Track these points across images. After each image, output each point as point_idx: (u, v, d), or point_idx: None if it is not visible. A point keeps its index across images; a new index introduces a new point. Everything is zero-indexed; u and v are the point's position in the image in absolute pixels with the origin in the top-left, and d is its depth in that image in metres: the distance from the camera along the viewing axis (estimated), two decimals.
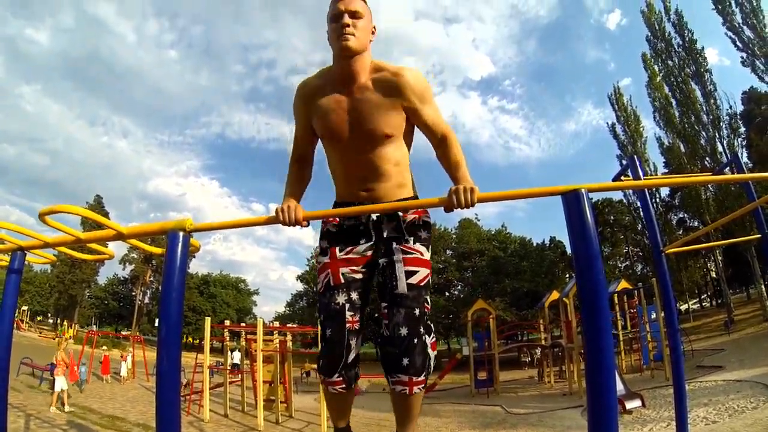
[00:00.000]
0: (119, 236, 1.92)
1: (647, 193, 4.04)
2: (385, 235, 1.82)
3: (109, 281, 58.06)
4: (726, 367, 11.47)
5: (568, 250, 42.40)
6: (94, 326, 46.63)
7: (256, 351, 10.43)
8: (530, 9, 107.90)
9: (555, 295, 17.41)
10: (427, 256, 1.82)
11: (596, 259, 1.46)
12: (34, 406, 9.12)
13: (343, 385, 1.78)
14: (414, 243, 1.80)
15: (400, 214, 1.83)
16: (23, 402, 9.39)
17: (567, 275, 39.79)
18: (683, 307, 37.61)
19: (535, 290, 34.05)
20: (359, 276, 1.80)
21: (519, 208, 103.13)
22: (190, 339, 47.87)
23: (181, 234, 1.73)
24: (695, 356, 15.15)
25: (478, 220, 44.72)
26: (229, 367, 13.46)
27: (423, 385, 1.71)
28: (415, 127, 1.93)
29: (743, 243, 23.38)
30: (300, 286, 47.28)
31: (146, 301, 56.11)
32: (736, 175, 3.66)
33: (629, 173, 4.03)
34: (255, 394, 9.89)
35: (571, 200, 1.53)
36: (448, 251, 41.43)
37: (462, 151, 1.87)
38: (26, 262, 2.24)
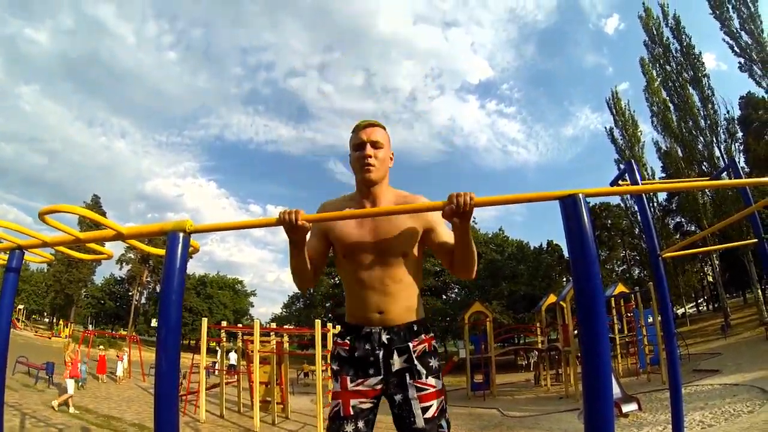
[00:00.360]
0: (119, 236, 1.93)
1: (645, 198, 4.05)
2: (394, 369, 1.85)
3: (105, 281, 58.09)
4: (722, 371, 11.49)
5: (566, 254, 42.67)
6: (91, 326, 46.46)
7: (252, 352, 10.42)
8: (528, 13, 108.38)
9: (552, 298, 17.42)
10: (440, 385, 1.88)
11: (593, 263, 1.47)
12: (29, 405, 9.08)
13: None
14: (427, 377, 1.85)
15: (411, 345, 1.87)
16: (19, 401, 9.35)
17: (564, 279, 39.87)
18: (680, 311, 37.67)
19: (532, 294, 34.07)
20: (368, 406, 1.86)
21: (516, 212, 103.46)
22: (187, 340, 47.76)
23: (181, 235, 1.73)
24: (692, 360, 15.18)
25: (476, 224, 44.83)
26: (225, 368, 13.44)
27: None
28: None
29: (740, 247, 23.58)
30: (296, 288, 47.16)
31: (143, 301, 56.09)
32: (733, 180, 3.69)
33: (627, 178, 4.05)
34: (251, 395, 9.87)
35: (569, 205, 1.54)
36: None
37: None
38: (24, 262, 2.25)
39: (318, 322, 10.40)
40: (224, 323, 16.45)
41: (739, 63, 24.86)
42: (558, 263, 41.90)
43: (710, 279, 38.68)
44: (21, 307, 41.64)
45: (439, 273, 38.10)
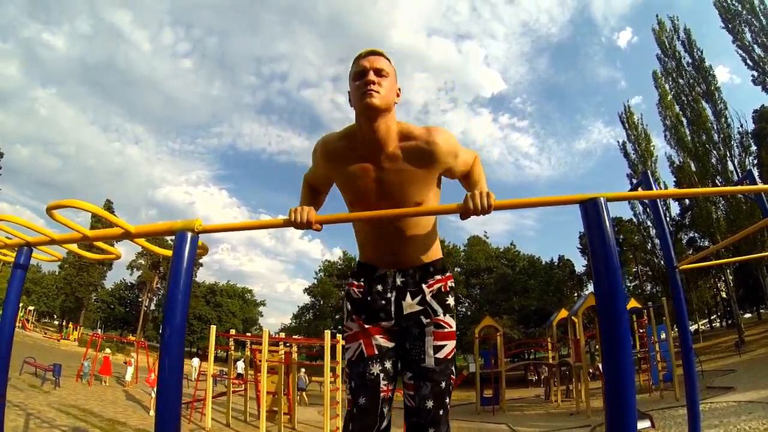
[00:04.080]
0: (127, 235, 1.90)
1: (661, 208, 3.98)
2: (406, 312, 1.78)
3: (116, 286, 58.41)
4: (737, 388, 11.23)
5: (578, 269, 42.57)
6: (99, 330, 46.70)
7: (260, 361, 10.37)
8: (542, 26, 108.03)
9: (563, 313, 17.22)
10: (454, 326, 1.81)
11: (615, 267, 1.42)
12: (34, 405, 9.07)
13: None
14: (444, 315, 1.79)
15: (424, 287, 1.80)
16: (24, 401, 9.35)
17: (575, 294, 39.49)
18: (693, 327, 37.07)
19: (543, 308, 33.77)
20: (392, 345, 1.79)
21: (528, 226, 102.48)
22: (195, 348, 47.83)
23: (189, 234, 1.70)
24: (705, 377, 14.86)
25: (487, 238, 44.69)
26: (235, 377, 13.39)
27: None
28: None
29: (755, 262, 23.22)
30: (307, 299, 47.21)
31: (152, 307, 56.28)
32: (749, 186, 3.59)
33: (642, 189, 3.98)
34: (258, 405, 9.80)
35: (590, 209, 1.50)
36: (456, 268, 41.17)
37: (482, 169, 1.92)
38: (36, 264, 2.24)
39: (327, 333, 10.35)
40: (233, 332, 16.41)
41: (752, 76, 24.75)
42: (569, 278, 41.53)
43: (723, 295, 38.06)
44: (32, 308, 41.97)
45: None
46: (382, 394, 1.71)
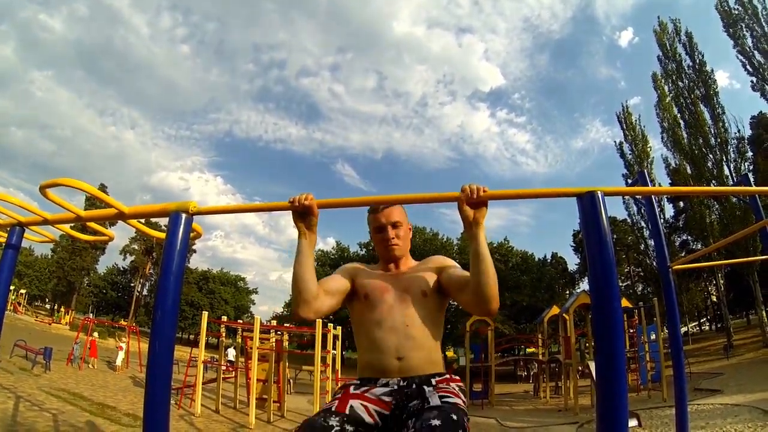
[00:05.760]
0: (121, 216, 1.88)
1: (656, 208, 3.99)
2: (407, 391, 1.66)
3: (108, 270, 58.28)
4: (724, 391, 11.34)
5: (570, 267, 42.86)
6: (91, 314, 46.57)
7: (251, 348, 10.38)
8: (543, 23, 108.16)
9: (555, 310, 17.32)
10: (461, 400, 1.63)
11: (611, 261, 1.42)
12: (24, 389, 9.05)
13: None
14: (448, 385, 1.70)
15: (425, 387, 1.68)
16: (14, 384, 9.33)
17: (567, 291, 39.71)
18: (683, 329, 37.36)
19: (535, 305, 33.96)
20: (367, 417, 1.57)
21: (523, 223, 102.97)
22: (186, 334, 47.83)
23: (183, 216, 1.69)
24: (693, 379, 14.99)
25: None
26: (224, 366, 13.40)
27: None
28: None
29: (746, 266, 23.39)
30: (296, 310, 47.20)
31: (144, 293, 56.21)
32: (744, 188, 3.61)
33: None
34: (248, 392, 9.82)
35: (587, 202, 1.49)
36: None
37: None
38: (28, 246, 2.21)
39: (319, 322, 10.35)
40: (224, 318, 16.40)
41: (752, 82, 24.73)
42: (562, 276, 41.74)
43: (714, 298, 38.34)
44: (23, 291, 41.84)
45: None
46: None
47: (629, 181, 29.47)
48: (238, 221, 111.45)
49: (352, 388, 1.70)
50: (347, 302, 1.90)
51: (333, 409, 1.56)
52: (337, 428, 1.47)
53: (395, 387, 1.68)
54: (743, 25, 24.40)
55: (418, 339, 1.75)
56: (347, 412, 1.55)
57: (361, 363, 1.82)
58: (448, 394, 1.62)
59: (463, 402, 1.63)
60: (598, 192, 1.48)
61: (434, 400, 1.58)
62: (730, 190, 3.57)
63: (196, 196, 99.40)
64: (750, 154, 26.07)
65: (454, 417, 1.44)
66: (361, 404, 1.59)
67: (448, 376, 1.77)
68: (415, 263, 2.00)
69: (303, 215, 1.74)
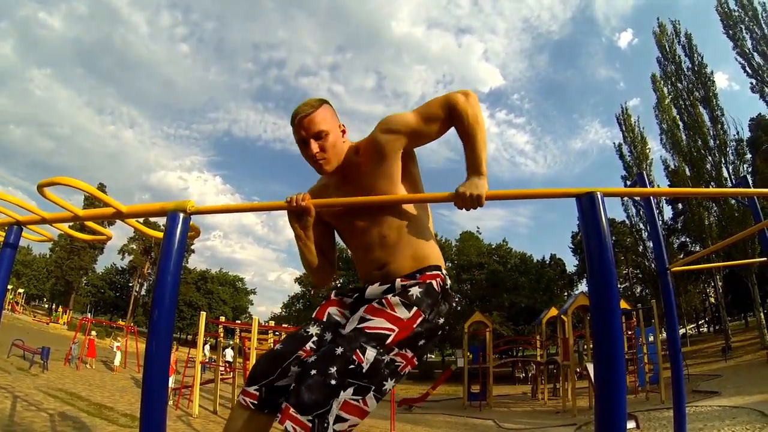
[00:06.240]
0: (119, 215, 1.87)
1: (655, 210, 3.98)
2: (366, 296, 1.62)
3: (106, 270, 58.23)
4: (722, 393, 11.35)
5: (569, 269, 42.86)
6: (89, 314, 46.53)
7: (249, 349, 10.37)
8: (543, 24, 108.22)
9: (553, 311, 17.33)
10: (402, 314, 1.46)
11: (610, 262, 1.41)
12: (22, 388, 9.03)
13: (256, 402, 1.47)
14: (393, 296, 1.52)
15: (398, 279, 1.59)
16: (12, 384, 9.32)
17: (566, 293, 39.72)
18: (681, 331, 37.35)
19: (533, 306, 33.94)
20: (342, 321, 1.62)
21: (522, 224, 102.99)
22: (184, 335, 47.78)
23: (181, 215, 1.68)
24: (691, 380, 15.00)
25: (479, 233, 44.82)
26: (225, 364, 13.38)
27: (300, 429, 1.27)
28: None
29: (745, 268, 23.41)
30: (298, 289, 47.28)
31: (143, 293, 56.17)
32: (743, 189, 3.61)
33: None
34: None
35: (586, 203, 1.49)
36: (448, 263, 41.29)
37: (475, 119, 1.59)
38: (27, 246, 2.21)
39: None
40: (223, 319, 16.39)
41: (751, 84, 24.76)
42: (560, 277, 41.75)
43: (712, 300, 38.38)
44: (21, 291, 41.78)
45: None
46: (300, 352, 1.52)
47: (628, 182, 29.47)
48: (237, 221, 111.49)
49: (333, 294, 1.76)
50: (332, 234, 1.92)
51: (313, 316, 1.68)
52: (316, 333, 1.59)
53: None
54: (743, 27, 24.43)
55: (399, 243, 1.65)
56: (324, 318, 1.65)
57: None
58: (374, 315, 1.48)
59: (393, 317, 1.47)
60: (598, 193, 1.47)
61: (354, 322, 1.49)
62: (729, 191, 3.57)
63: (195, 196, 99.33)
64: (749, 156, 26.10)
65: (337, 351, 1.37)
66: (338, 310, 1.69)
67: (419, 275, 1.58)
68: (354, 153, 1.71)
69: (299, 215, 1.71)
